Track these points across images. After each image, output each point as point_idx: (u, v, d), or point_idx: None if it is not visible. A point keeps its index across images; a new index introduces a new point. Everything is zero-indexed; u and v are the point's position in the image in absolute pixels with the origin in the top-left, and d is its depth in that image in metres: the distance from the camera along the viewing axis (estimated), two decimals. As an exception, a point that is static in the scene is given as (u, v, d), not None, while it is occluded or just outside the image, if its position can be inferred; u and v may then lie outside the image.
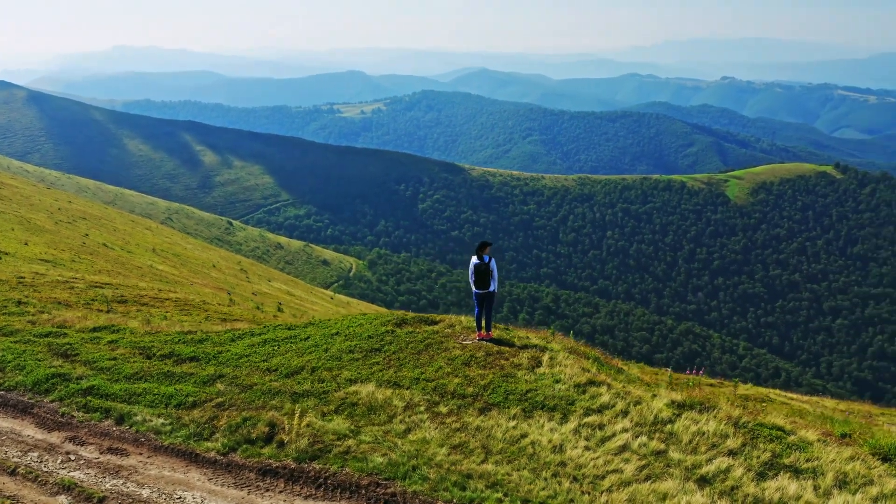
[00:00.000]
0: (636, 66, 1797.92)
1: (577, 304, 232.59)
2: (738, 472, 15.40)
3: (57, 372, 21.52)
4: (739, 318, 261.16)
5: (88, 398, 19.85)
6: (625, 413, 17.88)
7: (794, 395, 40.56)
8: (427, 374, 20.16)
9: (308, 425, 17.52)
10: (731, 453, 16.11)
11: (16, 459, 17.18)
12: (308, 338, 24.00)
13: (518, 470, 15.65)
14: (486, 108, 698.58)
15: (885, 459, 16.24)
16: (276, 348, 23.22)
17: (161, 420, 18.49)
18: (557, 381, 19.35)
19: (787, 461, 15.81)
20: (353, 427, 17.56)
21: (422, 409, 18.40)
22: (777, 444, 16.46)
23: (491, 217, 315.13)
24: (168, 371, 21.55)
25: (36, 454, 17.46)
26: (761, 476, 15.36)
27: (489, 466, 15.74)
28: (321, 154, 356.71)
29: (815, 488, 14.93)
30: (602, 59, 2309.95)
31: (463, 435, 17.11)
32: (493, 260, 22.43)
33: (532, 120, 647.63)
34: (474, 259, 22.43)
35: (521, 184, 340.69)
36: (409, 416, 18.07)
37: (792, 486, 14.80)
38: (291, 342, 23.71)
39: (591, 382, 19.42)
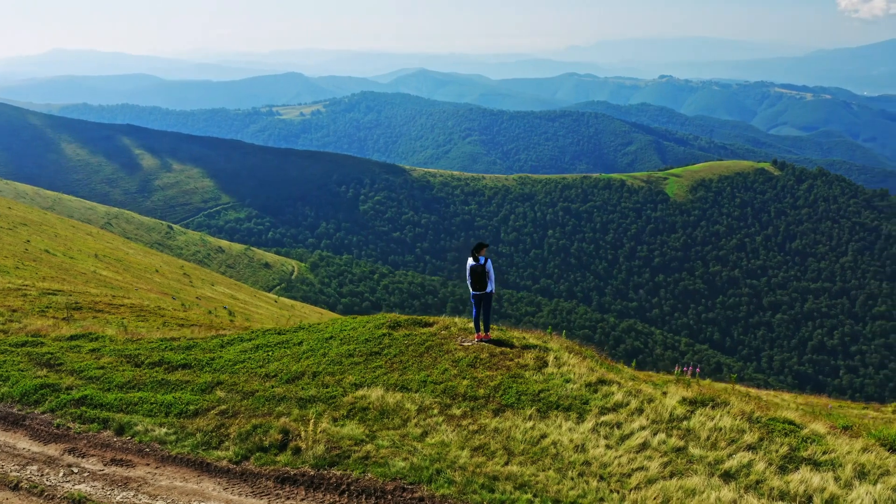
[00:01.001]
0: (575, 65, 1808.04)
1: (520, 303, 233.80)
2: (760, 466, 15.76)
3: (45, 382, 21.20)
4: (680, 315, 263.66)
5: (83, 409, 19.58)
6: (640, 411, 18.12)
7: (752, 390, 41.60)
8: (433, 376, 20.28)
9: (323, 431, 17.44)
10: (750, 448, 16.49)
11: (15, 473, 16.81)
12: (301, 342, 23.96)
13: (543, 470, 15.62)
14: (426, 109, 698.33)
15: (892, 450, 16.88)
16: (270, 354, 23.17)
17: (164, 429, 18.29)
18: (568, 381, 19.66)
19: (804, 454, 16.25)
20: (367, 432, 17.50)
21: (435, 412, 18.48)
22: (792, 437, 16.90)
23: (432, 218, 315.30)
24: (162, 379, 21.37)
25: (35, 467, 17.10)
26: (782, 469, 15.73)
27: (514, 468, 15.71)
28: (261, 156, 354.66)
29: (836, 480, 15.32)
30: (541, 58, 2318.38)
31: (482, 437, 17.20)
32: (489, 261, 22.50)
33: (472, 120, 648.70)
34: (470, 261, 22.57)
35: (461, 184, 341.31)
36: (424, 420, 18.12)
37: (815, 479, 15.19)
38: (284, 347, 23.69)
39: (602, 381, 19.80)
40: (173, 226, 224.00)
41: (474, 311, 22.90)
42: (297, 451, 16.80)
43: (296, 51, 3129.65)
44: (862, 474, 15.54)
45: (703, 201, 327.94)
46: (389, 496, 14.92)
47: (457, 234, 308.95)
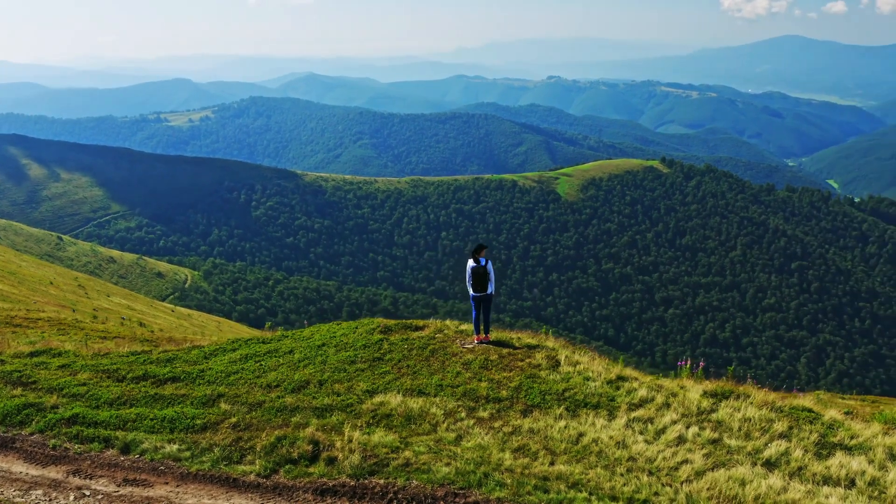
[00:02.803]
0: (463, 67, 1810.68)
1: (416, 305, 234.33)
2: (798, 453, 16.16)
3: (26, 402, 20.22)
4: (575, 313, 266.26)
5: (77, 428, 18.77)
6: (667, 405, 18.45)
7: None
8: (447, 380, 20.22)
9: (357, 440, 17.02)
10: (783, 436, 16.94)
11: (20, 500, 15.96)
12: (292, 351, 23.62)
13: (591, 468, 15.72)
14: (316, 113, 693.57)
15: (906, 432, 17.43)
16: (262, 363, 22.65)
17: (176, 446, 17.62)
18: (588, 379, 19.88)
19: (835, 440, 16.81)
20: (400, 439, 17.21)
21: (462, 415, 18.38)
22: (817, 425, 17.43)
23: (326, 222, 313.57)
24: (155, 394, 20.66)
25: (40, 492, 16.25)
26: (819, 456, 16.20)
27: (561, 467, 15.73)
28: (151, 164, 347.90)
29: (870, 462, 15.86)
30: (429, 60, 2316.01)
31: (519, 438, 17.18)
32: (489, 262, 22.58)
33: (362, 123, 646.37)
34: (471, 262, 22.61)
35: (354, 188, 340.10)
36: (454, 424, 17.98)
37: (853, 463, 15.70)
38: (275, 356, 23.27)
39: (621, 378, 20.10)
40: (63, 237, 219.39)
41: (474, 312, 23.07)
42: (332, 461, 16.36)
43: (183, 56, 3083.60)
44: (893, 457, 16.20)
45: (593, 200, 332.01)
46: (441, 502, 14.70)
47: (350, 238, 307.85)
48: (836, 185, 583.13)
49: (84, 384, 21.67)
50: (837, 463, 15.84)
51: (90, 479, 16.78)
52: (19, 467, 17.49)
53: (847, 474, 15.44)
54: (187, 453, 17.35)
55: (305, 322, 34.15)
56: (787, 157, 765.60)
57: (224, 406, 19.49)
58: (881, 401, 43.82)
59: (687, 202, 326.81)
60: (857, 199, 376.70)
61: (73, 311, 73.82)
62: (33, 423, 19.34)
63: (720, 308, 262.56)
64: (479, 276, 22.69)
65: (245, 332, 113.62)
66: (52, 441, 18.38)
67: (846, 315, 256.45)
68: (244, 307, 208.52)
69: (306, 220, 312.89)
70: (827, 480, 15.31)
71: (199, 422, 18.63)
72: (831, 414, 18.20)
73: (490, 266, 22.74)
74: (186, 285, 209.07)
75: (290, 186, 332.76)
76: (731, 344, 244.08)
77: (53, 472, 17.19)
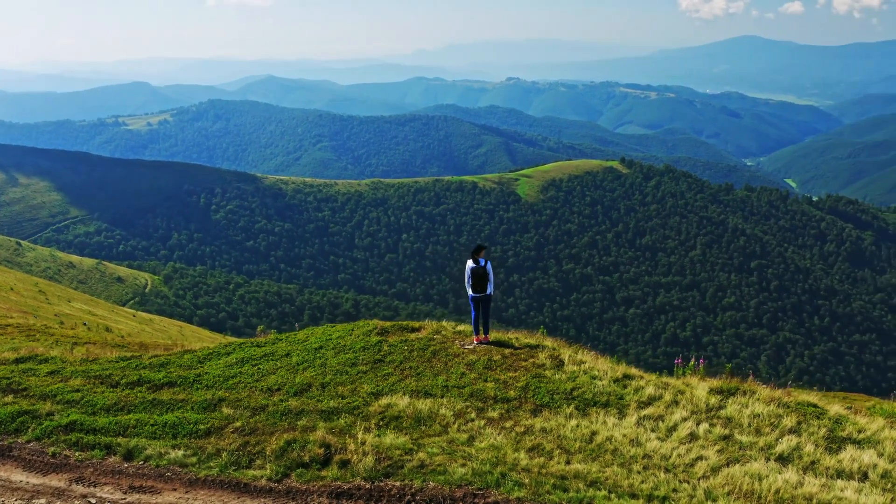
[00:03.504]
0: (423, 69, 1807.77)
1: (377, 308, 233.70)
2: (809, 448, 16.35)
3: (20, 409, 19.92)
4: (536, 313, 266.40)
5: (77, 435, 18.48)
6: (675, 403, 18.56)
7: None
8: (452, 380, 20.17)
9: (367, 442, 16.89)
10: (792, 431, 17.11)
11: None
12: (289, 354, 23.42)
13: (607, 467, 15.76)
14: (275, 116, 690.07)
15: (902, 426, 17.69)
16: (259, 367, 22.44)
17: (181, 451, 17.40)
18: (595, 378, 19.98)
19: (843, 434, 17.05)
20: (411, 440, 17.13)
21: (472, 416, 18.32)
22: (825, 420, 17.64)
23: (286, 225, 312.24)
24: (153, 399, 20.35)
25: (43, 500, 15.93)
26: (829, 450, 16.40)
27: (578, 466, 15.74)
28: (109, 168, 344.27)
29: (880, 455, 16.11)
30: (388, 63, 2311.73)
31: (532, 438, 17.18)
32: (488, 263, 22.63)
33: (321, 126, 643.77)
34: (470, 263, 22.64)
35: (314, 190, 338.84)
36: (465, 425, 17.93)
37: (864, 457, 15.93)
38: (272, 360, 23.06)
39: (627, 376, 20.23)
40: (22, 242, 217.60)
41: (473, 313, 22.94)
42: (345, 464, 16.24)
43: (141, 59, 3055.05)
44: (900, 450, 16.33)
45: (554, 201, 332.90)
46: (461, 503, 14.63)
47: (311, 241, 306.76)
48: (794, 185, 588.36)
49: (78, 390, 21.41)
50: (849, 457, 16.03)
51: (94, 486, 16.59)
52: (19, 476, 17.25)
53: (859, 467, 15.67)
54: (193, 459, 17.14)
55: (297, 325, 33.93)
56: (746, 156, 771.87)
57: (226, 410, 19.33)
58: (851, 396, 44.48)
59: (647, 202, 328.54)
60: (815, 198, 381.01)
61: (36, 317, 73.36)
62: (29, 430, 19.09)
63: (681, 307, 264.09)
64: (479, 277, 22.72)
65: (207, 336, 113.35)
66: (52, 449, 18.14)
67: (805, 313, 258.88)
68: (205, 311, 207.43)
69: (266, 223, 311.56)
70: (840, 474, 15.53)
71: (202, 427, 18.38)
72: (836, 409, 18.44)
73: (489, 266, 22.82)
74: (147, 290, 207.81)
75: (250, 189, 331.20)
76: (692, 343, 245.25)
77: (55, 481, 16.94)
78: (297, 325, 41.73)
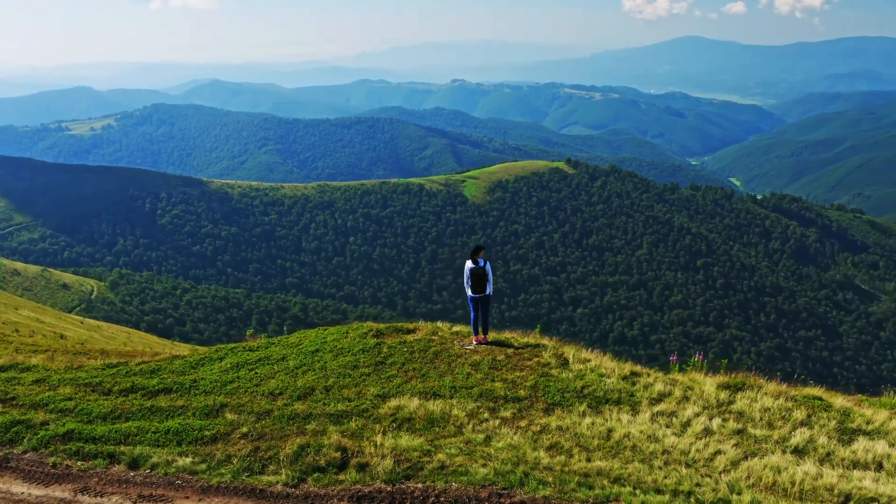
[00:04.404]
0: (367, 71, 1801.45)
1: (326, 311, 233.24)
2: (822, 440, 16.61)
3: (13, 419, 19.46)
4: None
5: (77, 444, 18.06)
6: (686, 399, 18.74)
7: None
8: (458, 381, 20.13)
9: (386, 445, 16.80)
10: (804, 424, 17.40)
11: None
12: (284, 358, 23.19)
13: (629, 463, 15.86)
14: (220, 120, 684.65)
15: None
16: (256, 372, 22.19)
17: (189, 459, 17.09)
18: (602, 376, 20.12)
19: (853, 426, 17.36)
20: (427, 442, 17.04)
21: (485, 416, 18.29)
22: (832, 412, 17.97)
23: (233, 229, 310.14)
24: (151, 406, 20.02)
25: None
26: (842, 441, 16.69)
27: (600, 463, 15.80)
28: (53, 174, 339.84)
29: (891, 445, 16.43)
30: (333, 66, 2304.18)
31: (549, 436, 17.23)
32: (487, 263, 22.73)
33: (267, 129, 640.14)
34: (469, 264, 22.72)
35: (260, 194, 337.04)
36: (479, 425, 17.87)
37: (877, 447, 16.24)
38: (268, 364, 22.82)
39: (634, 373, 20.36)
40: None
41: (472, 314, 23.13)
42: (363, 467, 16.12)
43: (83, 64, 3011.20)
44: (909, 440, 16.61)
45: (500, 202, 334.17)
46: (487, 503, 14.58)
47: (258, 245, 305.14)
48: (738, 183, 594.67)
49: (70, 399, 20.98)
50: (862, 448, 16.31)
51: (101, 496, 16.32)
52: (20, 488, 16.92)
53: (874, 458, 15.99)
54: (203, 465, 16.86)
55: (284, 329, 34.11)
56: (690, 156, 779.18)
57: (230, 416, 19.09)
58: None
59: (593, 202, 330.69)
60: (759, 197, 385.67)
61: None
62: (25, 440, 18.69)
63: (628, 306, 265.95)
64: (479, 277, 22.88)
65: (155, 342, 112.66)
66: (51, 459, 17.79)
67: (752, 310, 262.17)
68: (152, 317, 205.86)
69: (213, 227, 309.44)
70: (856, 465, 15.82)
71: (207, 433, 18.08)
72: (840, 401, 18.79)
73: (489, 267, 22.96)
74: (93, 296, 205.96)
75: (196, 194, 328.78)
76: (640, 342, 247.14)
77: (59, 492, 16.65)
78: (284, 328, 41.56)
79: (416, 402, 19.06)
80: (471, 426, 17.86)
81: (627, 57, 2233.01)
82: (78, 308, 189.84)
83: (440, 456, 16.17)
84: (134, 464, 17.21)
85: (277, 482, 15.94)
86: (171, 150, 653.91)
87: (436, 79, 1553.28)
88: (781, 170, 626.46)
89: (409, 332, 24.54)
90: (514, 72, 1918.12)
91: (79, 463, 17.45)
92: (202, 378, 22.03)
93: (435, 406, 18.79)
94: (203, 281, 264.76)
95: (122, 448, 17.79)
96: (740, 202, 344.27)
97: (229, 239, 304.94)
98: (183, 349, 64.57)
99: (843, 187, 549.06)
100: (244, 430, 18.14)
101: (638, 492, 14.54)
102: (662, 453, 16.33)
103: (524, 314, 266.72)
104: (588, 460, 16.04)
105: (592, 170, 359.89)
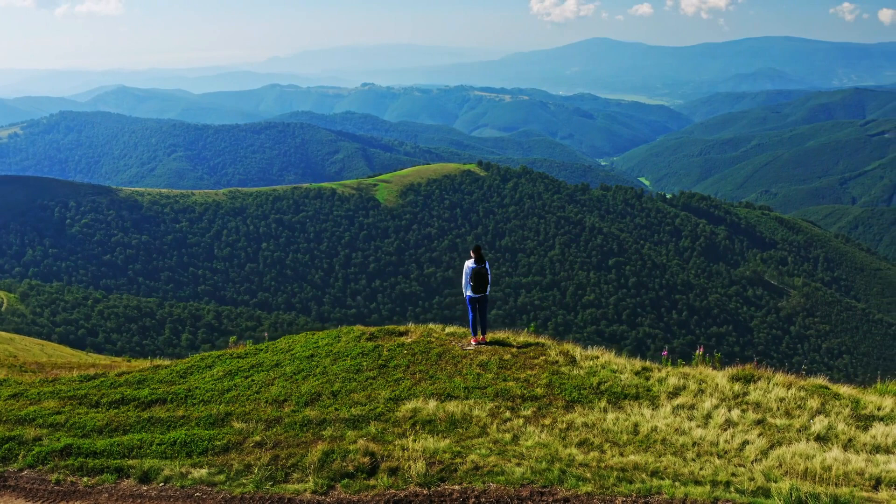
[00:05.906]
0: (277, 76, 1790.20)
1: (240, 318, 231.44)
2: (841, 426, 16.97)
3: (3, 436, 18.61)
4: (399, 317, 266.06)
5: (80, 459, 17.47)
6: (701, 392, 19.02)
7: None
8: (469, 381, 20.07)
9: (417, 448, 16.55)
10: (820, 412, 17.76)
11: None
12: (278, 364, 22.86)
13: (662, 456, 15.99)
14: (128, 127, 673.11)
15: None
16: (252, 379, 21.77)
17: (204, 470, 16.61)
18: (615, 371, 20.31)
19: (865, 412, 17.79)
20: (454, 443, 16.88)
21: (507, 415, 18.25)
22: (842, 400, 18.38)
23: (143, 237, 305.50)
24: (149, 417, 19.45)
25: None
26: (859, 427, 17.09)
27: (634, 458, 15.88)
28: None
29: None
30: (241, 71, 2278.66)
31: (577, 433, 17.28)
32: (487, 263, 22.71)
33: (176, 136, 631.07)
34: (471, 263, 22.69)
35: (171, 201, 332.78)
36: (503, 424, 17.82)
37: (895, 431, 16.68)
38: (262, 371, 22.46)
39: (645, 368, 20.60)
40: None
41: (471, 314, 23.02)
42: (394, 471, 15.82)
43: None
44: (920, 424, 17.17)
45: (413, 205, 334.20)
46: (529, 502, 14.44)
47: (169, 252, 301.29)
48: (647, 183, 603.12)
49: (59, 412, 20.32)
50: (881, 433, 16.77)
51: None
52: None
53: (894, 442, 16.45)
54: (221, 476, 16.41)
55: (265, 335, 33.53)
56: (600, 156, 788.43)
57: (238, 424, 18.67)
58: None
59: (505, 204, 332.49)
60: (668, 196, 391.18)
61: None
62: (19, 457, 18.04)
63: (542, 307, 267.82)
64: (481, 277, 22.93)
65: (69, 353, 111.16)
66: (54, 476, 17.09)
67: (664, 308, 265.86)
68: (64, 329, 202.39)
69: (123, 235, 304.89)
70: (877, 449, 16.26)
71: (218, 443, 17.66)
72: (846, 389, 19.36)
73: (488, 267, 23.07)
74: (3, 309, 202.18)
75: (106, 202, 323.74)
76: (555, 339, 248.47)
77: None
78: (265, 334, 41.13)
79: (433, 403, 19.03)
80: (495, 426, 17.87)
81: (537, 59, 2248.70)
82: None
83: (472, 457, 16.08)
84: (145, 477, 16.77)
85: (305, 490, 15.68)
86: (79, 157, 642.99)
87: (346, 83, 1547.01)
88: (690, 169, 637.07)
89: (401, 334, 24.59)
90: (425, 75, 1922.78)
91: (84, 479, 16.95)
92: (196, 387, 21.67)
93: (454, 407, 18.77)
94: (114, 290, 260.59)
95: (130, 461, 17.39)
96: (650, 201, 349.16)
97: (140, 247, 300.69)
98: (100, 360, 64.04)
99: (750, 185, 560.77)
100: (257, 438, 17.89)
101: (678, 484, 14.74)
102: (693, 445, 16.65)
103: (439, 316, 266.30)
104: (622, 455, 16.22)
105: (504, 171, 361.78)
